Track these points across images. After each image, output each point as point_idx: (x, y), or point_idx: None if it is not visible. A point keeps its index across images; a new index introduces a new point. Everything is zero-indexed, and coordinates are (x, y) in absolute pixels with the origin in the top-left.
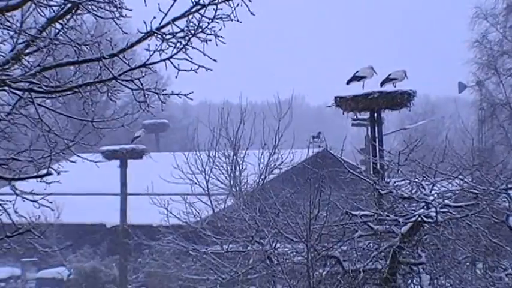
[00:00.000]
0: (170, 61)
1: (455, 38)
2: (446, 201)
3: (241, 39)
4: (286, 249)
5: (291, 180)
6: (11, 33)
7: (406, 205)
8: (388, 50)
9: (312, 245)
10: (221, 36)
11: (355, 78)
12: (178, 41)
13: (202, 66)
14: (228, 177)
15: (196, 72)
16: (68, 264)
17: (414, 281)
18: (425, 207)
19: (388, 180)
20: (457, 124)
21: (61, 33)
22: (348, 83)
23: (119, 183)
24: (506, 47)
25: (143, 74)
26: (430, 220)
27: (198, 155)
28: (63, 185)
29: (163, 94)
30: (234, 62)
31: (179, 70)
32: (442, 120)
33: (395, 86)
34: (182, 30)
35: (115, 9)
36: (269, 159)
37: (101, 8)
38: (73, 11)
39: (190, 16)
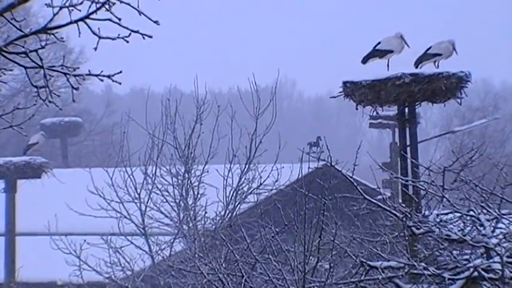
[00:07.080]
0: (85, 23)
1: None
2: None
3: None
4: None
5: (275, 213)
6: None
7: (454, 252)
8: (425, 16)
9: None
10: None
11: (376, 52)
12: None
13: (137, 32)
14: (176, 208)
15: (127, 42)
16: None
17: None
18: (484, 255)
19: (427, 214)
20: None
21: None
22: (365, 61)
23: (3, 217)
24: None
25: (43, 44)
26: (492, 276)
27: (129, 172)
28: None
29: (74, 75)
30: (190, 31)
31: (100, 38)
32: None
33: (437, 66)
34: None
35: None
36: (240, 179)
37: None
38: None
39: None
